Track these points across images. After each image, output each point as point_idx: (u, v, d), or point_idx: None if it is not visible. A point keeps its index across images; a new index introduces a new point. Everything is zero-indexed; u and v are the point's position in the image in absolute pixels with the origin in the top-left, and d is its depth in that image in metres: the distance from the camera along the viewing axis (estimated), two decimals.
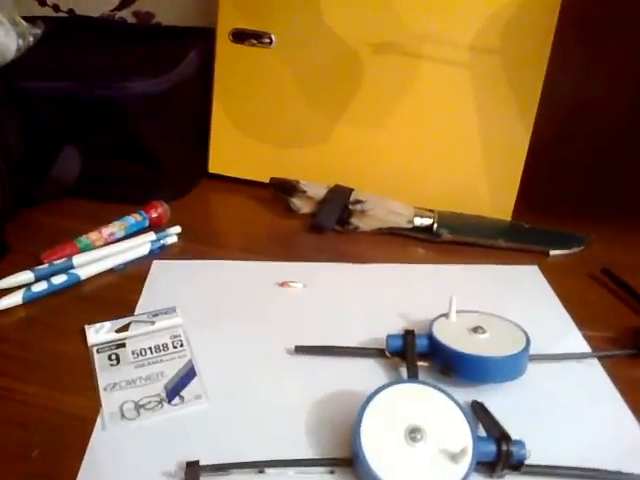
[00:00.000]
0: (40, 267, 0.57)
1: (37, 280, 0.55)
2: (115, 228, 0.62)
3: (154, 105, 0.67)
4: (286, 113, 0.72)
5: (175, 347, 0.49)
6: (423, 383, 0.43)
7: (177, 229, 0.63)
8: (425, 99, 0.68)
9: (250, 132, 0.73)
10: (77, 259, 0.58)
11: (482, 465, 0.39)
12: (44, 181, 0.66)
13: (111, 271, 0.59)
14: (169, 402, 0.44)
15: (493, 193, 0.69)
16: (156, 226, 0.64)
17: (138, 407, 0.44)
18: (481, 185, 0.69)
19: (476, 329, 0.48)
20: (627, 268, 0.60)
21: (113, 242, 0.61)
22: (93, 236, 0.61)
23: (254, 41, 0.70)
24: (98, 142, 0.68)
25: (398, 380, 0.46)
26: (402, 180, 0.70)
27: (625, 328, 0.54)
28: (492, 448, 0.39)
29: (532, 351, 0.47)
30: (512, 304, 0.53)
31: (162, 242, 0.62)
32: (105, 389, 0.45)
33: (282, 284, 0.57)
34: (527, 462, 0.39)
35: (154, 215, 0.65)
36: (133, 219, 0.63)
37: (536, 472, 0.40)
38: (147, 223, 0.64)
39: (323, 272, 0.59)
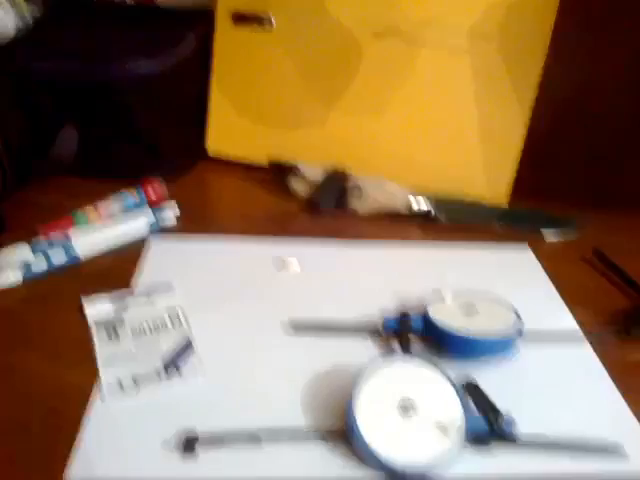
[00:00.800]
0: (37, 241, 0.57)
1: (34, 254, 0.56)
2: (111, 205, 0.63)
3: (152, 86, 0.67)
4: (284, 96, 0.72)
5: (173, 323, 0.50)
6: (416, 359, 0.44)
7: (174, 205, 0.64)
8: (423, 85, 0.69)
9: (248, 115, 0.73)
10: (75, 238, 0.58)
11: (473, 439, 0.40)
12: (42, 160, 0.66)
13: (109, 250, 0.59)
14: (167, 376, 0.45)
15: (489, 179, 0.70)
16: (153, 204, 0.65)
17: (136, 380, 0.45)
18: (477, 171, 0.70)
19: (469, 310, 0.49)
20: (619, 251, 0.60)
21: (110, 218, 0.62)
22: (89, 211, 0.61)
23: (254, 24, 0.70)
24: (96, 122, 0.68)
25: (392, 356, 0.47)
26: (399, 165, 0.71)
27: (615, 310, 0.55)
28: (482, 423, 0.40)
29: (524, 332, 0.48)
30: (505, 286, 0.54)
31: (160, 222, 0.62)
32: (104, 363, 0.46)
33: (279, 264, 0.58)
34: (516, 437, 0.40)
35: (151, 193, 0.65)
36: (130, 196, 0.64)
37: (524, 445, 0.41)
38: (144, 201, 0.65)
39: (320, 253, 0.60)
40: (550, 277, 0.58)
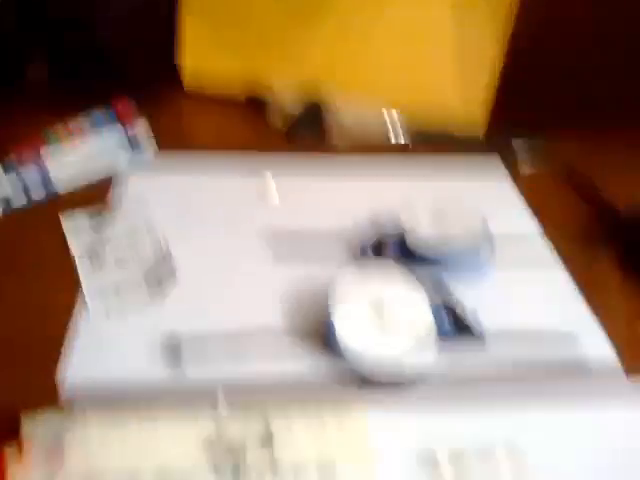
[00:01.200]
0: (9, 160, 0.56)
1: (7, 175, 0.55)
2: (81, 121, 0.62)
3: (123, 8, 0.65)
4: (259, 20, 0.70)
5: (153, 241, 0.51)
6: (388, 263, 0.46)
7: (144, 122, 0.63)
8: (400, 6, 0.67)
9: (222, 35, 0.71)
10: (53, 170, 0.58)
11: (441, 335, 0.42)
12: (12, 82, 0.64)
13: (87, 182, 0.59)
14: (148, 287, 0.47)
15: (466, 97, 0.69)
16: (122, 120, 0.63)
17: (119, 292, 0.46)
18: (454, 89, 0.69)
19: (442, 219, 0.51)
20: (592, 169, 0.62)
21: (81, 136, 0.61)
22: (60, 129, 0.60)
23: None
24: (67, 44, 0.66)
25: (365, 261, 0.49)
26: (376, 83, 0.70)
27: (584, 223, 0.58)
28: (450, 319, 0.43)
29: (493, 242, 0.51)
30: (478, 202, 0.54)
31: (138, 155, 0.62)
32: (86, 277, 0.47)
33: (258, 195, 0.58)
34: (482, 331, 0.43)
35: (120, 109, 0.64)
36: (99, 113, 0.63)
37: (490, 340, 0.44)
38: (113, 118, 0.64)
39: (298, 184, 0.60)
40: (523, 195, 0.61)
